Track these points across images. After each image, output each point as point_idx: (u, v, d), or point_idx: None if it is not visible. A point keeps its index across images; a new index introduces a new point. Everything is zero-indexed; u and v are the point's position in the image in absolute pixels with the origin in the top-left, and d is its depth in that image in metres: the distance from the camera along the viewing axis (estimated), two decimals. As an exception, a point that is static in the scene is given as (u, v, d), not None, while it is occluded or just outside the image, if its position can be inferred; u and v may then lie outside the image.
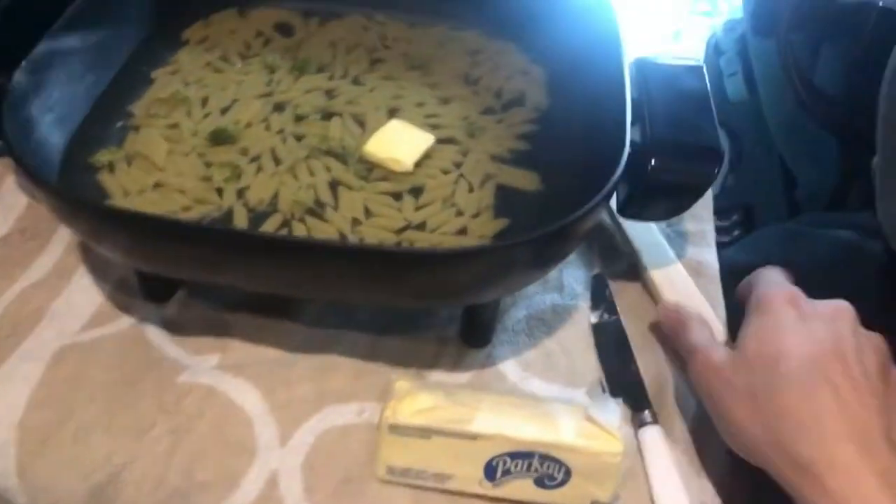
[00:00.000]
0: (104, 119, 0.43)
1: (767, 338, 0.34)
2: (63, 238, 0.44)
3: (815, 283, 0.44)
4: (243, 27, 0.51)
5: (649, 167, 0.37)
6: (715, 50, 0.80)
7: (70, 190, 0.38)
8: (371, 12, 0.52)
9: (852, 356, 0.33)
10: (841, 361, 0.32)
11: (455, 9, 0.52)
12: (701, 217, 0.48)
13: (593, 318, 0.42)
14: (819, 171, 0.56)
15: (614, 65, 0.42)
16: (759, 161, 0.70)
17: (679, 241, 0.46)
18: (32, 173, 0.34)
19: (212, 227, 0.35)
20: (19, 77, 0.37)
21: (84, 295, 0.41)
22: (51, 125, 0.39)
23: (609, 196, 0.34)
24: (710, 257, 0.46)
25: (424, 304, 0.39)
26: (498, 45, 0.51)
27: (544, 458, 0.33)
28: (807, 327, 0.34)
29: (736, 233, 0.68)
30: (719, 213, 0.56)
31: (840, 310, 0.35)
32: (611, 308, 0.42)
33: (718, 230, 0.50)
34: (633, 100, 0.39)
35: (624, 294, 0.43)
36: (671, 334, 0.40)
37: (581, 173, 0.40)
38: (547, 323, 0.42)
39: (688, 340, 0.38)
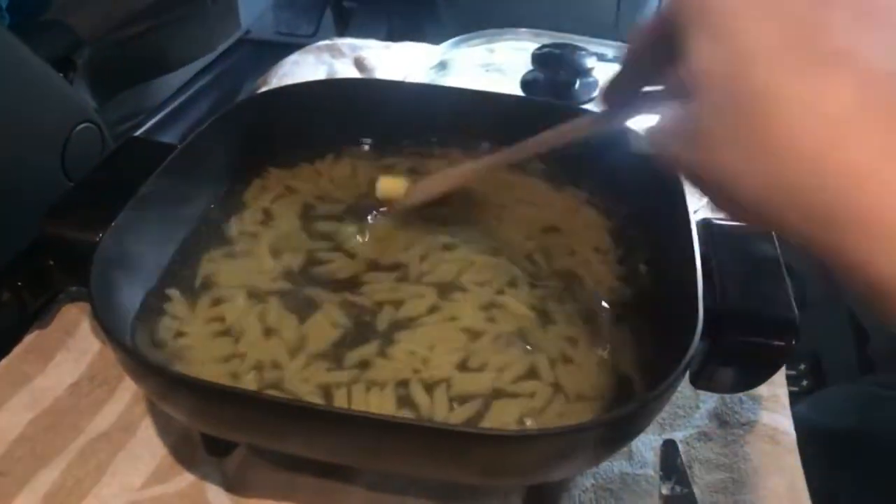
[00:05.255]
0: (180, 275, 0.44)
1: (719, 48, 0.23)
2: (131, 385, 0.44)
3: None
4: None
5: (721, 340, 0.36)
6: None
7: (140, 349, 0.38)
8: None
9: None
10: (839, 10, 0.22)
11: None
12: (773, 380, 0.46)
13: (664, 490, 0.40)
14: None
15: (682, 225, 0.42)
16: (824, 307, 0.68)
17: (752, 404, 0.45)
18: (108, 328, 0.35)
19: (273, 399, 0.34)
20: (108, 235, 0.39)
21: (147, 448, 0.41)
22: (132, 282, 0.41)
23: (682, 375, 0.33)
24: (785, 424, 0.44)
25: (486, 482, 0.38)
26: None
27: None
28: (769, 5, 0.23)
29: (804, 383, 0.65)
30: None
31: None
32: (682, 479, 0.40)
33: (786, 379, 0.48)
34: (701, 265, 0.39)
35: (696, 462, 0.42)
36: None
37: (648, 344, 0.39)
38: (615, 494, 0.40)
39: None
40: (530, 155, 0.43)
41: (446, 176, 0.47)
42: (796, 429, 0.44)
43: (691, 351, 0.34)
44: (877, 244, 0.20)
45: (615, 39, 0.75)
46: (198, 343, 0.40)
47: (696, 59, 0.24)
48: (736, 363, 0.37)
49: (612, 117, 0.36)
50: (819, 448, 0.44)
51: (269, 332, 0.41)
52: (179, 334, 0.41)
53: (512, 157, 0.43)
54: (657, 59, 0.28)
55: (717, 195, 0.25)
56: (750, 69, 0.22)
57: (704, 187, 0.25)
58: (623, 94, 0.33)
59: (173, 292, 0.42)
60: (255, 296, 0.43)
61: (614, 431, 0.32)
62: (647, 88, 0.32)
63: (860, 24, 0.22)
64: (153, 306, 0.41)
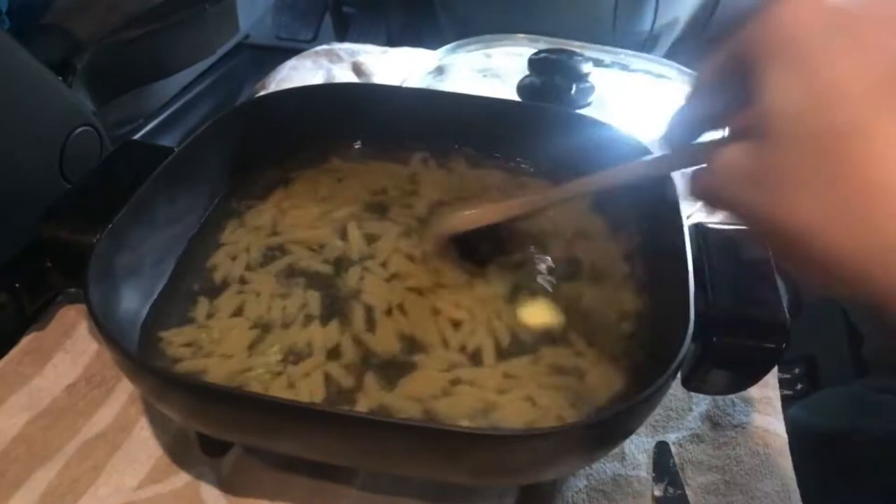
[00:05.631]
0: (182, 278, 0.44)
1: (802, 81, 0.21)
2: (128, 386, 0.45)
3: (887, 456, 0.42)
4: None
5: (712, 343, 0.36)
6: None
7: (139, 351, 0.39)
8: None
9: None
10: None
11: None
12: (766, 382, 0.46)
13: (657, 492, 0.40)
14: (887, 333, 0.54)
15: (675, 232, 0.42)
16: (819, 310, 0.68)
17: (744, 407, 0.45)
18: (104, 329, 0.35)
19: (269, 399, 0.35)
20: (105, 237, 0.39)
21: (143, 448, 0.41)
22: (129, 284, 0.41)
23: (673, 377, 0.34)
24: (777, 426, 0.44)
25: (478, 482, 0.38)
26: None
27: None
28: (859, 38, 0.20)
29: (799, 386, 0.65)
30: (781, 364, 0.55)
31: None
32: (675, 480, 0.41)
33: (781, 382, 0.48)
34: (693, 268, 0.39)
35: (689, 464, 0.42)
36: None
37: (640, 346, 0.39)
38: (608, 496, 0.40)
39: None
40: (580, 195, 0.40)
41: (489, 210, 0.43)
42: (789, 431, 0.44)
43: (682, 353, 0.34)
44: None
45: (612, 45, 0.75)
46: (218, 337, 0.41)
47: (774, 96, 0.21)
48: (727, 365, 0.37)
49: (673, 162, 0.32)
50: (811, 450, 0.45)
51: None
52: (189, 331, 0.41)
53: (561, 195, 0.41)
54: (726, 97, 0.25)
55: (789, 248, 0.22)
56: (838, 106, 0.20)
57: (773, 238, 0.22)
58: (687, 137, 0.29)
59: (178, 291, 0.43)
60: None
61: (604, 432, 0.32)
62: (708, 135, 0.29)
63: None
64: (155, 306, 0.42)
